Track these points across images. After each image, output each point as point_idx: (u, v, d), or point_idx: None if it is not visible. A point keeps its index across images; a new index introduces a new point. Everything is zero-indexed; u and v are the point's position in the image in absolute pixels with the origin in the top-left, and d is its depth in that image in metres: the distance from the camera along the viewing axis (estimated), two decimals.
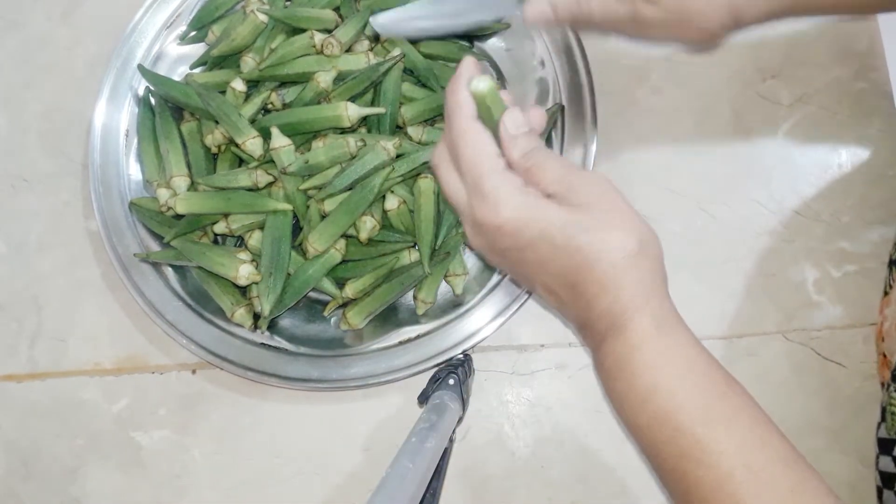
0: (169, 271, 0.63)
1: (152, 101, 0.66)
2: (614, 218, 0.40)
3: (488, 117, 0.43)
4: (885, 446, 0.53)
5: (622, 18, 0.52)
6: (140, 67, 0.65)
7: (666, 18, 0.51)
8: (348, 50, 0.63)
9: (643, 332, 0.39)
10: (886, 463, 0.52)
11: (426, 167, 0.59)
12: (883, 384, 0.56)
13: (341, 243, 0.60)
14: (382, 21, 0.50)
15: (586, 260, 0.40)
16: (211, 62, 0.65)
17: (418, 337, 0.59)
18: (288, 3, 0.66)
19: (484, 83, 0.42)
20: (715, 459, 0.37)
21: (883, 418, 0.53)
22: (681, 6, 0.50)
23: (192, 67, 0.66)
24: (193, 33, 0.67)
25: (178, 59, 0.67)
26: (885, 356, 0.55)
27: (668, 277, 0.42)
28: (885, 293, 0.57)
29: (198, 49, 0.67)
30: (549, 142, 0.62)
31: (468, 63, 0.44)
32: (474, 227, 0.43)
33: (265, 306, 0.58)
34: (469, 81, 0.43)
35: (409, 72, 0.63)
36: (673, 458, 0.39)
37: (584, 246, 0.39)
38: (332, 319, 0.62)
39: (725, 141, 0.64)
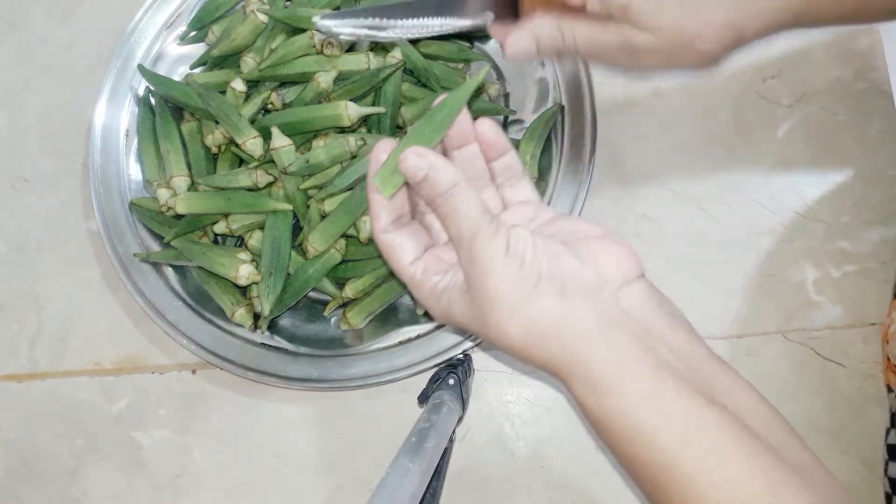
0: (169, 271, 0.63)
1: (152, 101, 0.66)
2: (490, 311, 0.38)
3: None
4: (894, 453, 0.53)
5: (611, 48, 0.48)
6: (140, 67, 0.65)
7: (660, 45, 0.47)
8: (348, 50, 0.63)
9: (581, 400, 0.38)
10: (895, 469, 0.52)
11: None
12: (889, 388, 0.56)
13: (341, 243, 0.60)
14: (327, 22, 0.50)
15: (501, 347, 0.39)
16: (211, 62, 0.65)
17: (418, 337, 0.59)
18: (288, 3, 0.66)
19: (379, 181, 0.41)
20: None
21: (892, 424, 0.53)
22: (676, 30, 0.47)
23: (192, 67, 0.66)
24: (193, 33, 0.67)
25: (178, 60, 0.67)
26: (888, 360, 0.55)
27: (605, 319, 0.38)
28: (895, 295, 0.57)
29: (198, 49, 0.67)
30: (549, 142, 0.62)
31: (373, 158, 0.42)
32: None
33: (265, 306, 0.58)
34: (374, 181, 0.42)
35: (409, 72, 0.63)
36: (646, 494, 0.39)
37: (492, 340, 0.39)
38: (333, 319, 0.62)
39: (725, 141, 0.64)
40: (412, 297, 0.61)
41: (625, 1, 0.46)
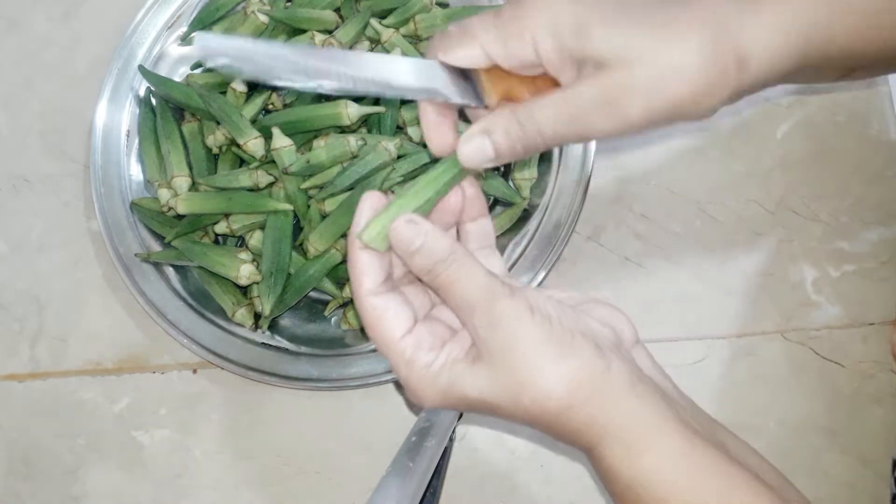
0: (170, 271, 0.63)
1: (153, 101, 0.66)
2: (523, 379, 0.35)
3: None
4: None
5: (586, 111, 0.36)
6: (141, 68, 0.65)
7: (642, 72, 0.35)
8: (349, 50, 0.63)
9: (610, 464, 0.36)
10: None
11: (426, 168, 0.59)
12: None
13: (342, 243, 0.60)
14: (206, 42, 0.35)
15: (522, 422, 0.36)
16: None
17: None
18: (289, 3, 0.66)
19: (369, 236, 0.36)
20: None
21: None
22: (655, 39, 0.35)
23: (192, 68, 0.66)
24: (194, 34, 0.67)
25: (179, 60, 0.67)
26: None
27: (631, 381, 0.36)
28: None
29: None
30: None
31: (358, 211, 0.37)
32: None
33: (266, 306, 0.58)
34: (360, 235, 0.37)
35: None
36: None
37: (510, 416, 0.36)
38: (333, 319, 0.62)
39: (725, 141, 0.64)
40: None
41: (598, 52, 0.36)
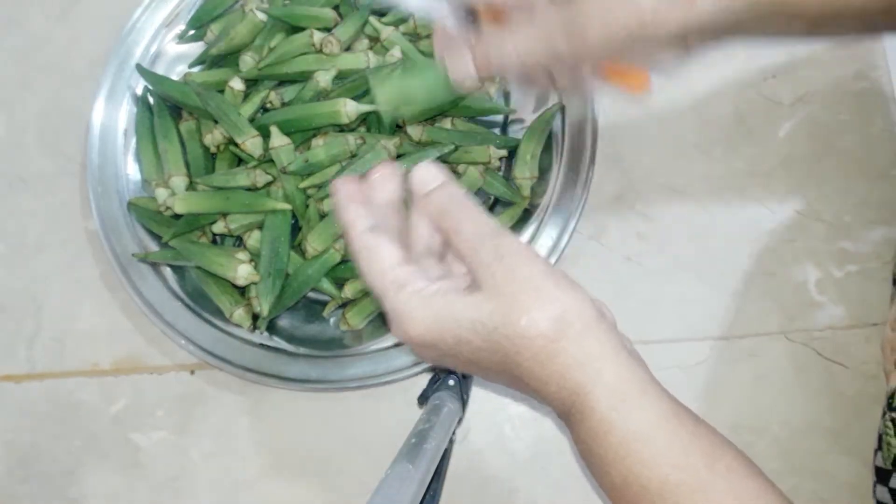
0: (167, 271, 0.62)
1: (150, 100, 0.65)
2: (523, 301, 0.36)
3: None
4: (881, 476, 0.52)
5: (551, 25, 0.42)
6: (138, 67, 0.65)
7: None
8: (347, 49, 0.63)
9: (606, 416, 0.36)
10: (882, 493, 0.51)
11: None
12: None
13: (340, 243, 0.60)
14: None
15: (509, 357, 0.37)
16: (209, 61, 0.65)
17: None
18: (287, 1, 0.66)
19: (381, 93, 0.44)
20: None
21: (879, 446, 0.53)
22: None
23: (190, 66, 0.66)
24: (192, 32, 0.67)
25: (177, 58, 0.67)
26: (887, 375, 0.55)
27: (616, 337, 0.38)
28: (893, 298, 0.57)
29: (196, 48, 0.67)
30: (549, 141, 0.62)
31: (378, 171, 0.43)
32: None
33: (264, 307, 0.58)
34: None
35: None
36: None
37: (502, 343, 0.37)
38: (332, 320, 0.62)
39: (726, 140, 0.64)
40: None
41: None
